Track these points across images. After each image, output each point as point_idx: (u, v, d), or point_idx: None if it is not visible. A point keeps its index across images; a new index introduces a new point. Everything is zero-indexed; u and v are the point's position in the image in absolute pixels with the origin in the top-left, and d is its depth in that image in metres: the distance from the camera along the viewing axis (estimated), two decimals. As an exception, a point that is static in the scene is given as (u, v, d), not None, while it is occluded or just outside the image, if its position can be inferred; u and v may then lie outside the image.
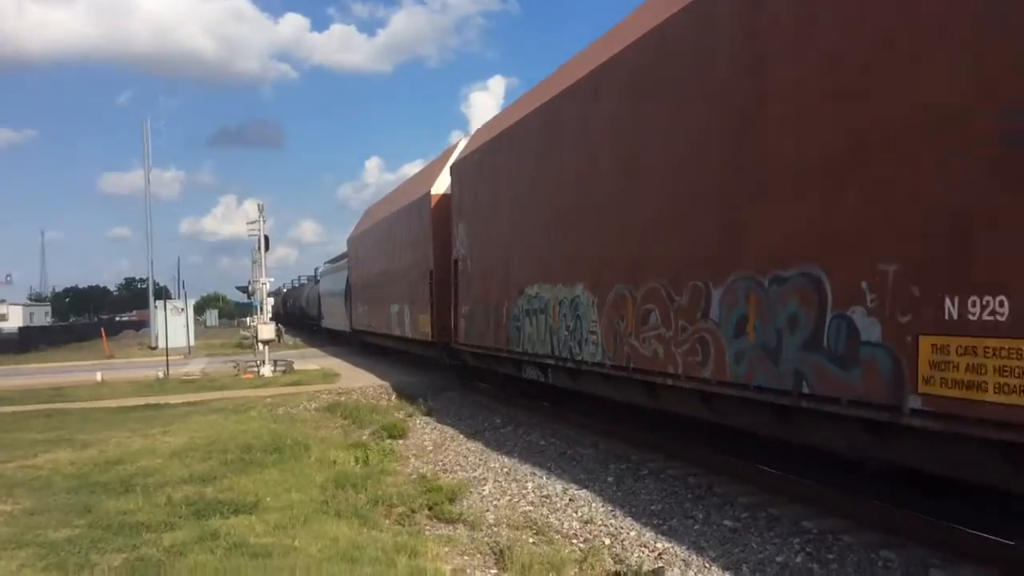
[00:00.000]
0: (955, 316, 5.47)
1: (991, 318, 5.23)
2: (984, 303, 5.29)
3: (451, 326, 17.98)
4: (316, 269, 54.71)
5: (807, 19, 6.86)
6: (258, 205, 28.22)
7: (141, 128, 50.54)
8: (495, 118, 17.75)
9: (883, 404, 6.04)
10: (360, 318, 31.37)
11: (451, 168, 18.46)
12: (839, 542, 7.15)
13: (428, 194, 19.79)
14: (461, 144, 19.39)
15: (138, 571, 6.78)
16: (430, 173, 21.59)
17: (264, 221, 28.11)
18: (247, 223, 28.98)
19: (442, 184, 19.35)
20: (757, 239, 7.50)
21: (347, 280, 34.91)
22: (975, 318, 5.33)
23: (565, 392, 13.87)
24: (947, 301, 5.53)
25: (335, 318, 39.90)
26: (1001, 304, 5.17)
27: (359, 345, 33.71)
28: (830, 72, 6.58)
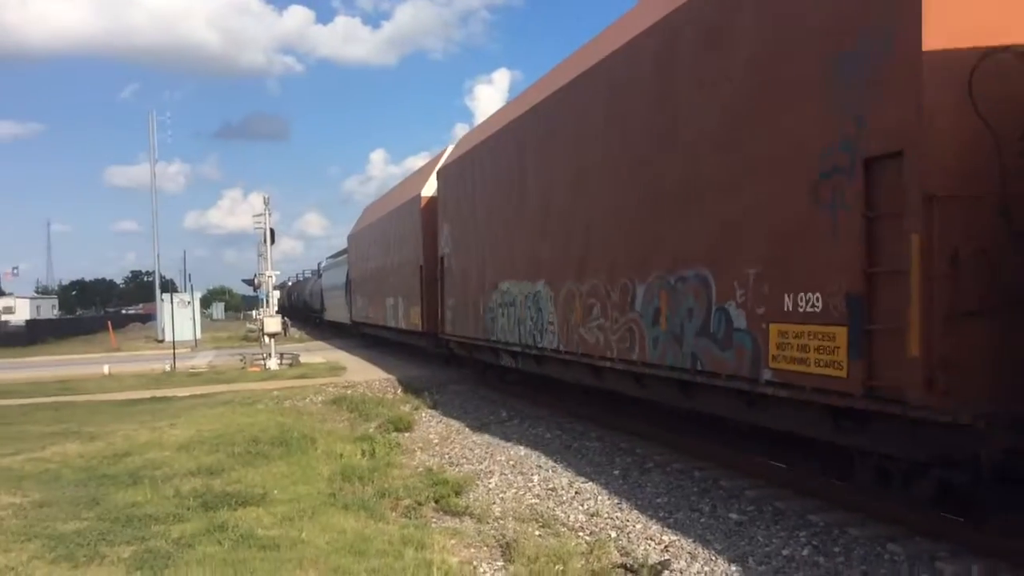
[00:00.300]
0: (791, 308, 7.24)
1: (812, 309, 6.98)
2: (806, 298, 7.05)
3: (439, 317, 19.71)
4: (319, 264, 56.84)
5: (698, 92, 8.70)
6: (264, 198, 28.34)
7: (146, 121, 50.79)
8: (478, 127, 19.62)
9: (747, 377, 7.83)
10: (359, 311, 33.14)
11: (438, 173, 20.39)
12: (845, 535, 7.16)
13: (419, 196, 21.64)
14: (448, 150, 21.04)
15: (147, 563, 6.82)
16: (421, 177, 23.29)
17: (270, 214, 28.19)
18: (253, 216, 29.12)
19: (431, 188, 21.15)
20: (666, 246, 9.29)
21: (347, 275, 36.71)
22: (802, 310, 7.10)
23: (533, 376, 15.51)
24: (785, 297, 7.30)
25: (337, 311, 41.64)
26: (817, 299, 6.91)
27: (359, 336, 34.72)
28: (713, 127, 8.41)
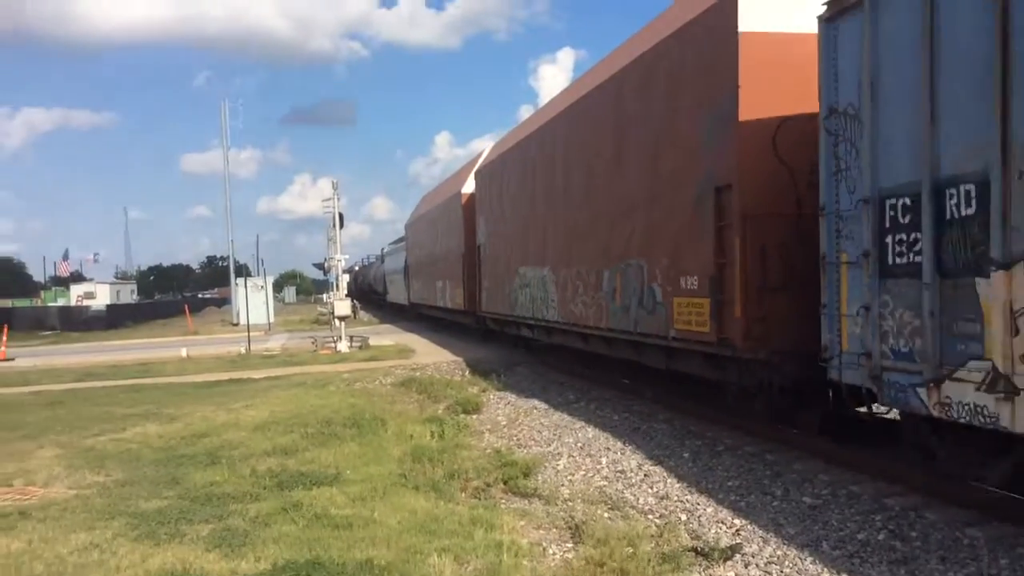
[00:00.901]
0: (684, 286, 10.53)
1: (693, 287, 10.27)
2: (690, 280, 10.33)
3: (477, 298, 23.51)
4: (382, 249, 59.98)
5: (634, 131, 12.15)
6: (332, 183, 28.65)
7: (217, 109, 51.74)
8: (508, 134, 23.25)
9: (663, 335, 11.18)
10: (416, 293, 37.58)
11: (475, 174, 24.23)
12: (922, 519, 6.99)
13: (459, 193, 25.72)
14: (484, 152, 24.75)
15: (225, 540, 7.00)
16: (462, 176, 27.29)
17: (339, 199, 28.52)
18: (322, 201, 29.52)
19: (470, 186, 24.89)
20: (619, 243, 12.68)
21: (405, 260, 40.76)
22: (688, 288, 10.39)
23: (547, 345, 19.40)
24: (680, 279, 10.60)
25: (397, 293, 46.01)
26: (695, 280, 10.18)
27: (422, 319, 36.33)
28: (642, 158, 11.83)
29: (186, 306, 61.46)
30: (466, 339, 27.35)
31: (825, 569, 6.20)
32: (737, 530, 7.20)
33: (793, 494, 8.09)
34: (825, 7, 7.88)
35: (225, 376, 20.56)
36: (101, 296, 74.83)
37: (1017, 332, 5.80)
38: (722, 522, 7.44)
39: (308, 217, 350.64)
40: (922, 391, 6.75)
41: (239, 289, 42.35)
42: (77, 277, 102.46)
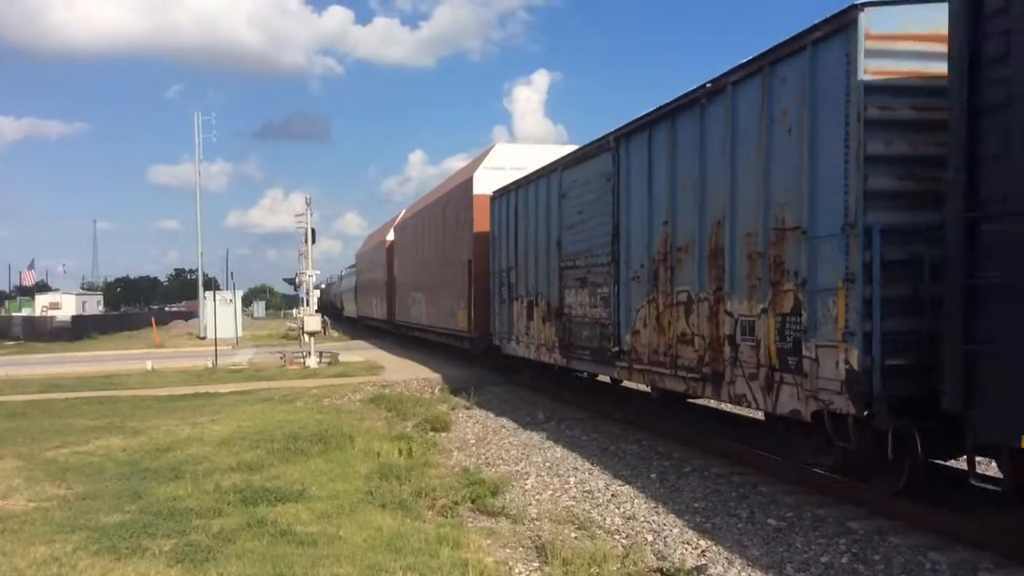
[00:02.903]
0: (460, 307, 22.58)
1: (460, 311, 22.80)
2: (459, 303, 23.22)
3: (394, 311, 36.31)
4: (341, 272, 72.62)
5: (442, 231, 25.91)
6: (306, 198, 28.69)
7: (188, 121, 51.51)
8: (413, 204, 36.65)
9: (456, 329, 24.13)
10: (361, 308, 50.93)
11: (393, 229, 37.02)
12: (886, 543, 7.07)
13: (384, 240, 39.04)
14: (401, 215, 37.37)
15: (188, 556, 6.91)
16: (386, 228, 40.64)
17: (311, 214, 28.45)
18: (295, 215, 29.46)
19: (392, 236, 37.43)
20: (436, 281, 26.30)
21: (355, 283, 54.32)
22: (460, 307, 22.77)
23: (418, 340, 32.25)
24: (459, 302, 22.94)
25: (350, 309, 59.31)
26: (461, 303, 22.99)
27: (397, 337, 38.83)
28: (442, 242, 25.71)
29: (152, 319, 60.84)
30: (437, 357, 27.31)
31: (789, 591, 6.23)
32: (702, 551, 7.23)
33: (759, 516, 8.15)
34: (493, 192, 19.70)
35: (191, 390, 20.36)
36: (67, 307, 73.94)
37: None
38: (688, 543, 7.46)
39: (279, 231, 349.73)
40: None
41: (207, 302, 42.00)
42: (42, 287, 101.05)
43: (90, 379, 23.62)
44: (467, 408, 16.69)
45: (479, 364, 22.03)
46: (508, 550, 7.51)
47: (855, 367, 7.27)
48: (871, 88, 7.29)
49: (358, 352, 31.52)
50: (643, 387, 12.92)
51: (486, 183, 20.48)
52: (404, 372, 22.82)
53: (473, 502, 9.13)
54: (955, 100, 6.24)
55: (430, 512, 8.82)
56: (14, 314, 68.81)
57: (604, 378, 15.64)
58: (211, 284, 53.04)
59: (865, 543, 7.13)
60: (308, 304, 29.26)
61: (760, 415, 10.24)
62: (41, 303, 75.86)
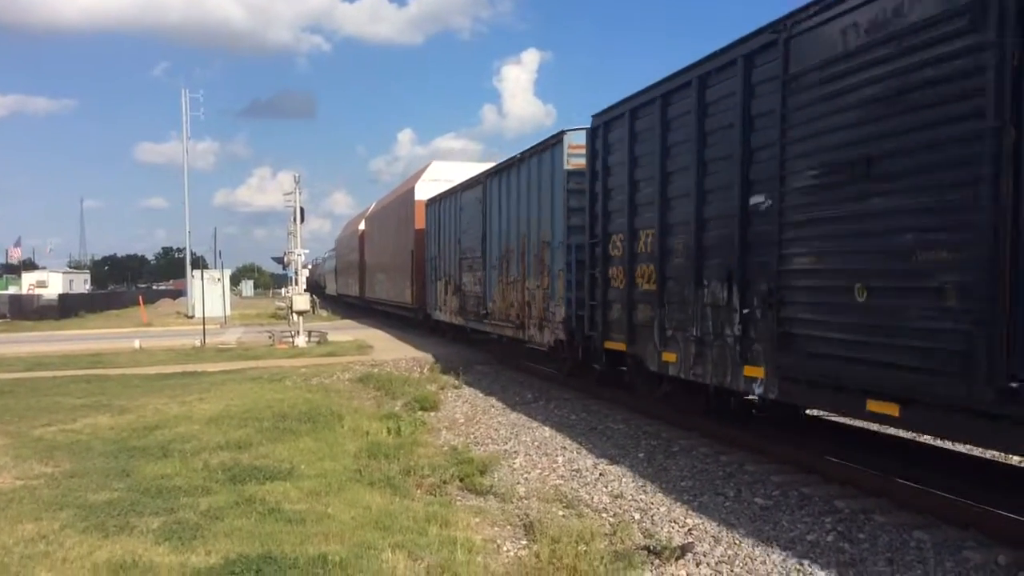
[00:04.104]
0: (406, 285, 30.51)
1: (408, 283, 29.99)
2: (407, 281, 30.37)
3: (364, 289, 42.77)
4: (324, 255, 77.85)
5: (393, 228, 33.85)
6: (294, 177, 28.47)
7: (175, 99, 51.06)
8: (381, 199, 42.63)
9: (404, 302, 31.29)
10: (340, 287, 57.65)
11: (364, 220, 43.33)
12: (871, 522, 7.13)
13: (357, 230, 44.99)
14: (371, 207, 43.51)
15: (176, 534, 6.92)
16: (360, 218, 47.04)
17: (300, 193, 28.31)
18: (283, 194, 29.30)
19: (363, 226, 43.20)
20: (395, 266, 32.41)
21: (335, 266, 61.25)
22: (406, 285, 30.21)
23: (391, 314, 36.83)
24: (405, 281, 30.41)
25: (331, 287, 65.20)
26: (408, 281, 30.11)
27: (384, 316, 40.07)
28: (395, 238, 32.87)
29: (140, 297, 60.58)
30: (426, 337, 27.32)
31: (775, 569, 6.29)
32: (689, 529, 7.27)
33: (745, 495, 8.20)
34: (427, 200, 26.03)
35: (179, 369, 20.32)
36: (54, 285, 73.42)
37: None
38: (675, 521, 7.51)
39: (267, 210, 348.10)
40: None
41: (195, 281, 41.86)
42: (29, 265, 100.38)
43: (77, 358, 23.53)
44: (456, 388, 16.71)
45: (418, 327, 29.60)
46: (496, 528, 7.54)
47: (567, 316, 14.13)
48: (570, 173, 14.18)
49: (347, 332, 31.49)
50: (501, 334, 19.47)
51: (425, 192, 27.00)
52: (393, 352, 22.80)
53: (462, 481, 9.16)
54: (588, 184, 13.05)
55: (419, 491, 8.84)
56: (0, 292, 68.41)
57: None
58: (199, 263, 52.80)
59: (851, 522, 7.18)
60: (297, 283, 29.16)
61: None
62: (28, 281, 75.26)
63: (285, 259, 30.60)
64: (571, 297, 13.77)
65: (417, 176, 29.83)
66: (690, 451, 10.15)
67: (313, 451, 10.37)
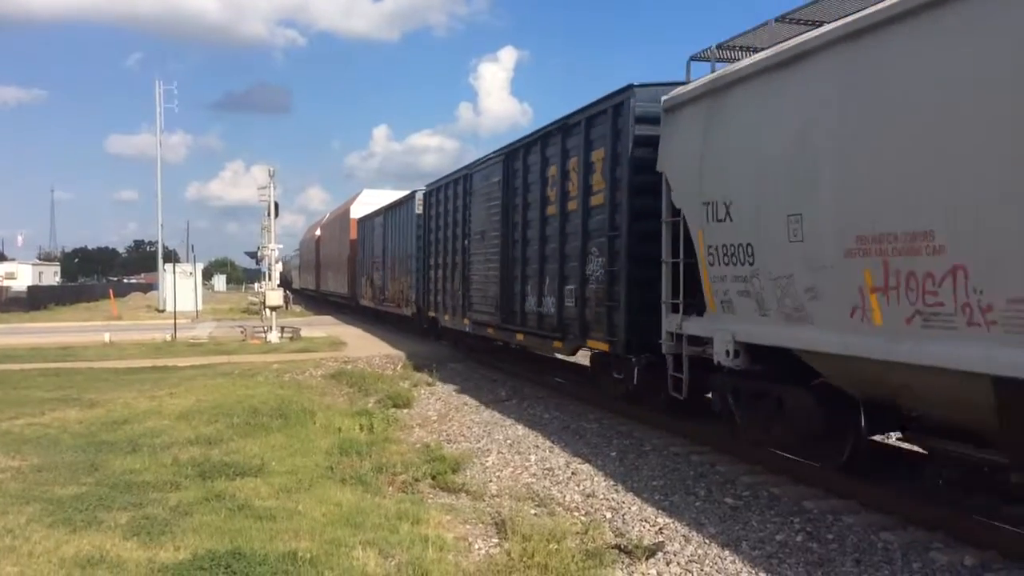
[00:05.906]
0: (343, 283, 41.83)
1: (345, 281, 41.06)
2: (344, 281, 41.52)
3: (319, 284, 51.51)
4: (289, 254, 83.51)
5: (337, 238, 43.87)
6: (269, 171, 28.26)
7: (148, 90, 50.78)
8: (331, 211, 52.97)
9: (349, 296, 40.86)
10: (303, 282, 65.24)
11: (319, 227, 50.91)
12: (839, 522, 7.19)
13: (315, 235, 52.12)
14: (326, 217, 51.59)
15: (144, 529, 6.86)
16: (317, 225, 54.35)
17: (275, 187, 28.13)
18: (258, 188, 29.09)
19: (319, 232, 50.53)
20: (337, 267, 44.11)
21: (299, 262, 69.55)
22: (343, 283, 42.17)
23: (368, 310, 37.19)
24: (344, 280, 41.15)
25: (296, 283, 70.75)
26: (346, 281, 40.58)
27: (360, 313, 40.20)
28: (339, 247, 42.44)
29: (110, 290, 60.00)
30: (400, 334, 27.26)
31: (744, 568, 6.33)
32: (660, 528, 7.31)
33: (716, 494, 8.25)
34: (359, 218, 35.93)
35: (149, 363, 20.13)
36: (23, 277, 72.71)
37: None
38: (646, 520, 7.54)
39: (240, 204, 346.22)
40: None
41: (167, 275, 41.51)
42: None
43: (46, 350, 23.24)
44: (429, 385, 16.68)
45: (351, 312, 39.37)
46: (468, 526, 7.53)
47: (415, 299, 24.57)
48: (418, 216, 24.66)
49: (321, 328, 31.33)
50: (392, 311, 29.00)
51: (357, 212, 36.28)
52: (367, 348, 22.73)
53: (434, 478, 9.14)
54: (424, 223, 24.18)
55: (390, 488, 8.82)
56: (-32, 283, 67.44)
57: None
58: (171, 256, 52.43)
59: (819, 522, 7.25)
60: (270, 278, 28.96)
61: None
62: (-4, 273, 74.40)
63: (259, 253, 30.42)
64: (418, 287, 24.20)
65: (353, 199, 40.21)
66: (662, 450, 10.20)
67: (284, 447, 10.33)
